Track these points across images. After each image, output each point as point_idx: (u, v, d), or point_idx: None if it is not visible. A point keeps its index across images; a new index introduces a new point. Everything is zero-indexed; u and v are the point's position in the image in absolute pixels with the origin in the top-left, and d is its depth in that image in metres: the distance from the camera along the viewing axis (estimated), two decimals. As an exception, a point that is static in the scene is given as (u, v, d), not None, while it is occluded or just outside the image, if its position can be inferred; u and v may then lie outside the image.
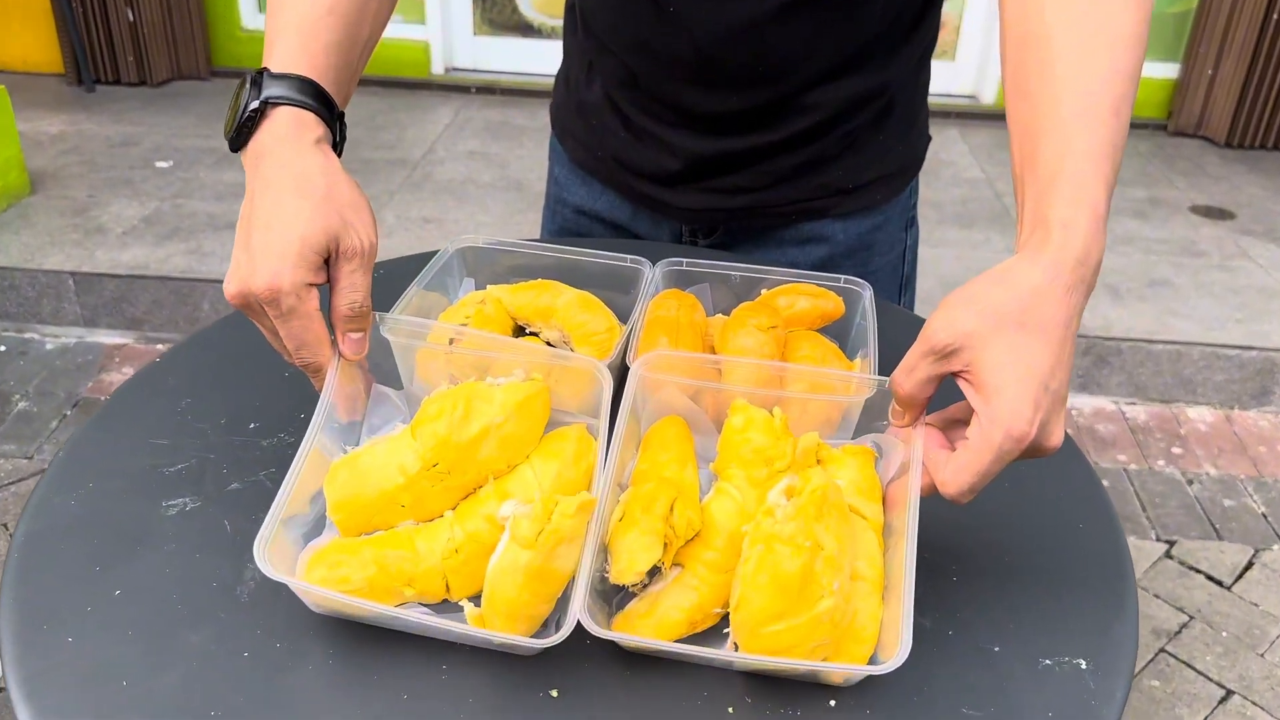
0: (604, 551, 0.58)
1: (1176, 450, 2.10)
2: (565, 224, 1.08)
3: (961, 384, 0.57)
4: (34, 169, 2.75)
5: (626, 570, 0.55)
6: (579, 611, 0.53)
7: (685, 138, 0.93)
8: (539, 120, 3.36)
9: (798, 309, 0.76)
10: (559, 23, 3.49)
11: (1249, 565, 1.81)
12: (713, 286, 0.81)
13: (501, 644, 0.56)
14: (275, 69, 0.67)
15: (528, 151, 3.11)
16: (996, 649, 0.59)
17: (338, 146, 0.70)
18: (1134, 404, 2.23)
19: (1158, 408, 2.22)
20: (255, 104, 0.65)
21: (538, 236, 0.87)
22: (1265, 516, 1.92)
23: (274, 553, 0.56)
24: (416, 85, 3.60)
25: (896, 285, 1.05)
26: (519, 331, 0.81)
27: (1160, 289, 2.38)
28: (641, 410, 0.68)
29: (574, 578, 0.55)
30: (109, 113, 3.28)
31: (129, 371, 2.22)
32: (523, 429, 0.63)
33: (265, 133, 0.65)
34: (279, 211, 0.62)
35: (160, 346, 2.31)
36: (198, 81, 3.61)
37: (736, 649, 0.56)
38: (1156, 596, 1.73)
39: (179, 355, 0.83)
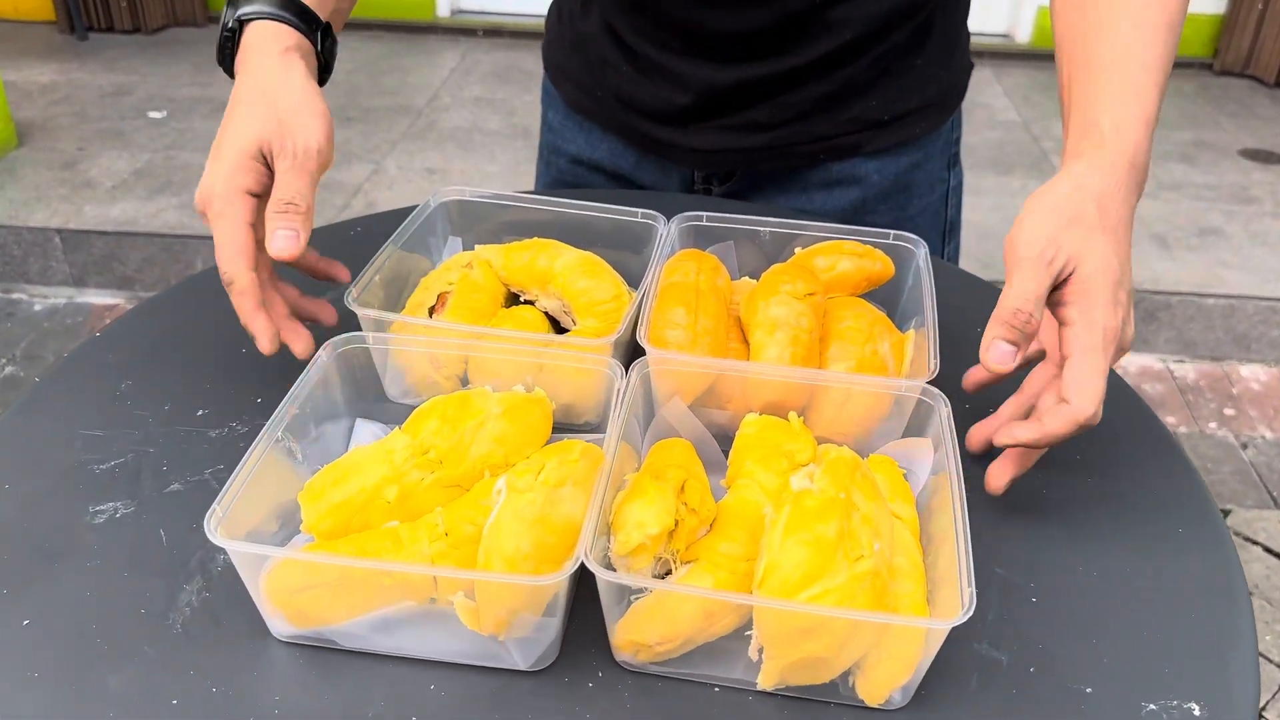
0: (609, 535, 0.48)
1: (1229, 411, 1.98)
2: (561, 175, 0.98)
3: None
4: (21, 120, 2.65)
5: (634, 533, 0.47)
6: (584, 549, 0.45)
7: (697, 66, 0.83)
8: (549, 65, 3.23)
9: (840, 271, 0.65)
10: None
11: (1309, 535, 1.70)
12: (738, 245, 0.70)
13: (505, 637, 0.47)
14: None
15: (536, 97, 2.97)
16: (1089, 690, 0.49)
17: (324, 58, 0.68)
18: (1183, 362, 2.10)
19: (1208, 366, 2.09)
20: (231, 22, 0.65)
21: (475, 192, 0.76)
22: (1325, 482, 1.81)
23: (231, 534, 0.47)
24: (421, 29, 3.46)
25: (939, 232, 0.95)
26: (512, 300, 0.70)
27: (1211, 238, 2.25)
28: (642, 423, 0.57)
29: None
30: (101, 61, 3.17)
31: (120, 333, 2.14)
32: (519, 428, 0.54)
33: (241, 49, 0.65)
34: (229, 122, 0.63)
35: (153, 307, 2.22)
36: (194, 29, 3.49)
37: (760, 655, 0.47)
38: (1210, 570, 1.63)
39: (121, 327, 0.73)
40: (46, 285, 2.24)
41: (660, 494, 0.50)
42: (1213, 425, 1.94)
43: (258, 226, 0.60)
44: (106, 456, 0.61)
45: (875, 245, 0.67)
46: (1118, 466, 0.63)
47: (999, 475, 0.57)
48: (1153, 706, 0.48)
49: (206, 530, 0.46)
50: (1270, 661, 1.49)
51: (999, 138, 2.74)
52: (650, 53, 0.84)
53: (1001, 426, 0.55)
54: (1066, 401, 0.52)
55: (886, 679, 0.48)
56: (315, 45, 0.67)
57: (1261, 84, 3.24)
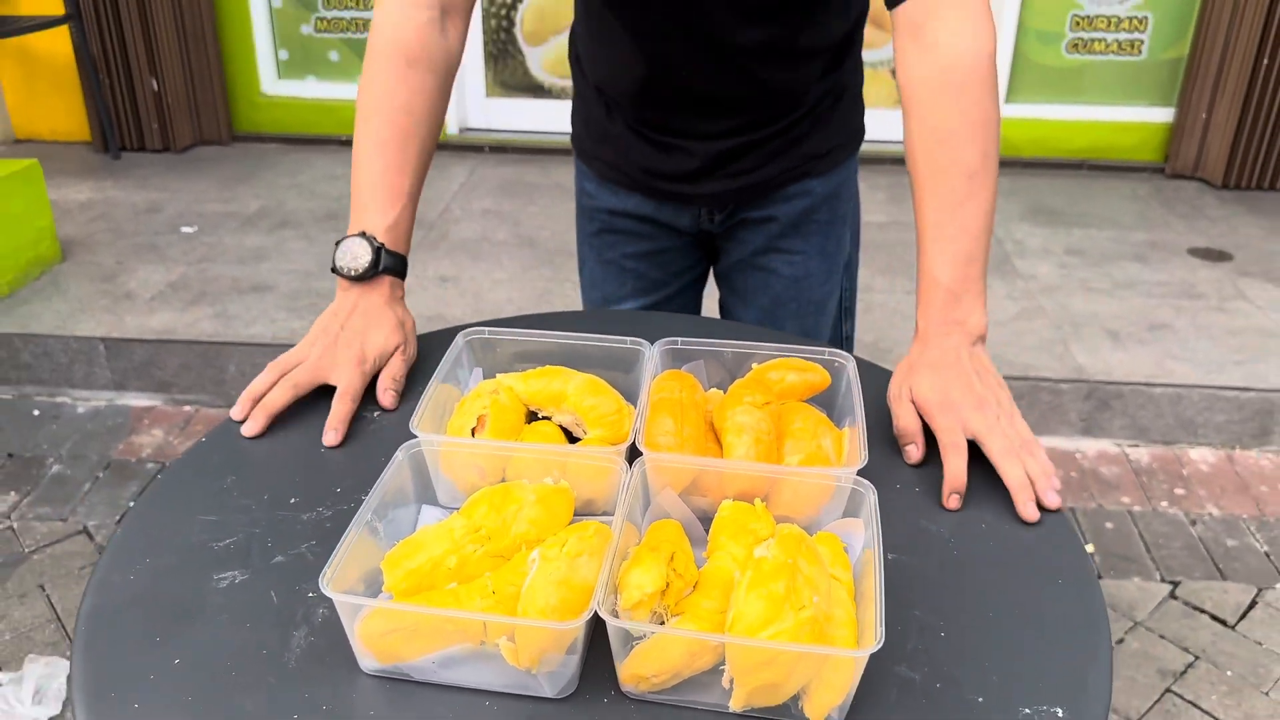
0: (615, 593, 0.64)
1: (1179, 491, 2.14)
2: (601, 226, 1.31)
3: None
4: (64, 236, 2.85)
5: (634, 591, 0.62)
6: (599, 602, 0.61)
7: (702, 143, 1.17)
8: (550, 177, 3.45)
9: (788, 383, 0.82)
10: (568, 83, 3.60)
11: (1253, 604, 1.84)
12: (706, 363, 0.88)
13: (540, 662, 0.63)
14: (374, 232, 0.96)
15: (540, 209, 3.19)
16: (980, 700, 0.64)
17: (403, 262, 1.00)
18: (1137, 446, 2.27)
19: (1160, 449, 2.26)
20: (370, 264, 0.95)
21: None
22: (1268, 555, 1.96)
23: (337, 589, 0.63)
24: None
25: (857, 221, 1.34)
26: (532, 417, 0.87)
27: (1160, 332, 2.44)
28: (641, 507, 0.74)
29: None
30: (134, 179, 3.39)
31: (158, 433, 2.30)
32: (549, 512, 0.70)
33: (368, 289, 0.96)
34: (358, 342, 0.94)
35: (188, 408, 2.39)
36: (219, 146, 3.73)
37: (732, 684, 0.62)
38: (1162, 637, 1.77)
39: (219, 436, 0.90)
40: (89, 389, 2.41)
41: (655, 562, 0.66)
42: (1164, 504, 2.10)
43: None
44: (222, 536, 0.77)
45: (814, 360, 0.85)
46: (1013, 534, 0.79)
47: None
48: (1028, 710, 0.64)
49: (321, 585, 0.62)
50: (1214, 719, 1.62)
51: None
52: (668, 139, 1.17)
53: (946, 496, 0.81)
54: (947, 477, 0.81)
55: (826, 701, 0.63)
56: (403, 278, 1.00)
57: (1210, 186, 3.47)
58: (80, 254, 2.79)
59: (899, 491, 0.81)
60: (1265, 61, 3.26)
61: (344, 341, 0.93)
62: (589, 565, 0.65)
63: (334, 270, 0.96)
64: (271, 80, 3.78)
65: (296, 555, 0.75)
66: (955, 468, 0.80)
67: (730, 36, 1.07)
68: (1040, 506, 0.79)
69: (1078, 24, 3.51)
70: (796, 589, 0.62)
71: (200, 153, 3.67)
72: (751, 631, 0.61)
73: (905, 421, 0.84)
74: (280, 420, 0.91)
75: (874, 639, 0.60)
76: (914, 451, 0.84)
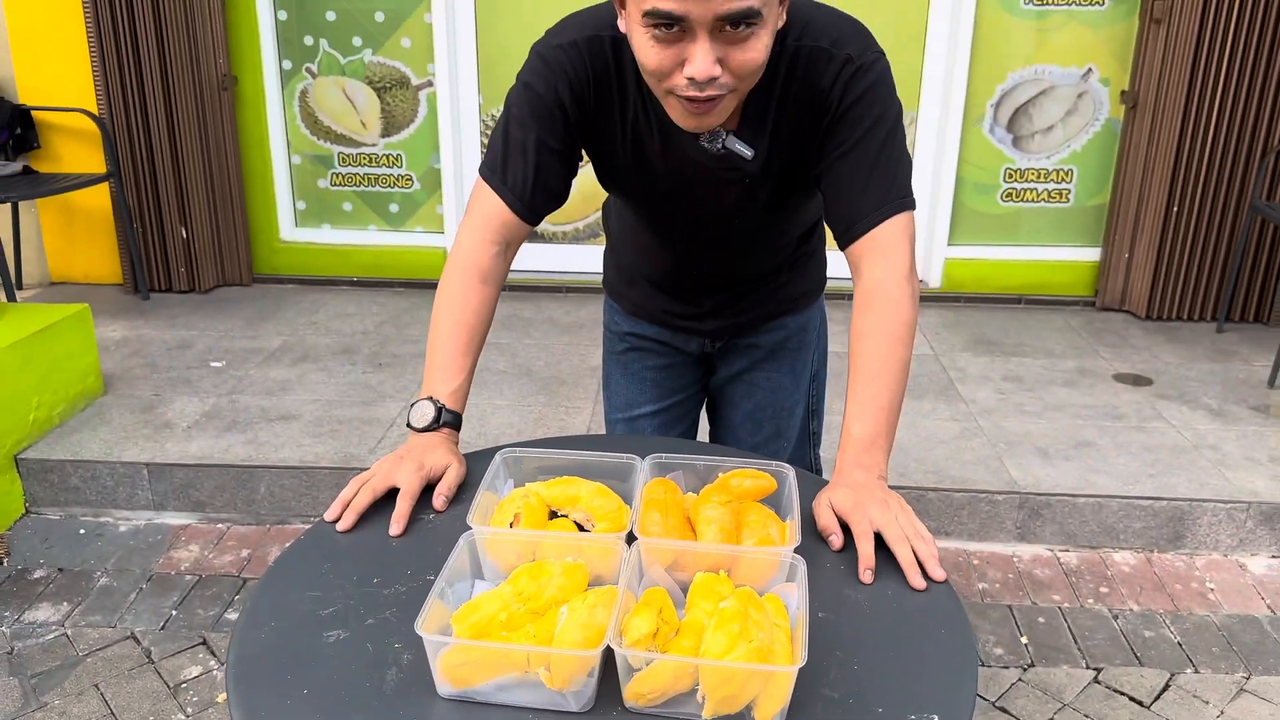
0: (621, 635, 0.90)
1: (1104, 590, 2.39)
2: (628, 346, 1.67)
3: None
4: (105, 371, 3.12)
5: (635, 632, 0.88)
6: (610, 639, 0.86)
7: (708, 298, 1.55)
8: (544, 313, 3.77)
9: (744, 487, 1.09)
10: (559, 229, 3.96)
11: (1166, 687, 2.08)
12: (685, 472, 1.15)
13: (569, 686, 0.88)
14: (439, 398, 1.27)
15: (534, 341, 3.50)
16: (880, 710, 0.90)
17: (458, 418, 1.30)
18: (1066, 550, 2.53)
19: (1087, 553, 2.53)
20: (434, 422, 1.25)
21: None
22: (1180, 645, 2.20)
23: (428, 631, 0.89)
24: (435, 285, 4.02)
25: (824, 343, 1.71)
26: (553, 515, 1.14)
27: (1084, 449, 2.73)
28: (638, 578, 1.01)
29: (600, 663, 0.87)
30: (164, 318, 3.69)
31: (195, 549, 2.53)
32: (572, 581, 0.96)
33: (430, 435, 1.25)
34: (418, 459, 1.21)
35: (220, 525, 2.62)
36: (241, 288, 4.04)
37: (704, 698, 0.88)
38: (1086, 717, 2.00)
39: (314, 534, 1.15)
40: (131, 510, 2.64)
41: (649, 613, 0.92)
42: (1091, 601, 2.35)
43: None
44: (325, 606, 1.02)
45: (764, 470, 1.12)
46: (910, 598, 1.05)
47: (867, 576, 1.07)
48: (914, 716, 0.89)
49: (416, 628, 0.87)
50: (1131, 786, 1.84)
51: (914, 370, 3.26)
52: (680, 293, 1.56)
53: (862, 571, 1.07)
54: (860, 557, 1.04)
55: (770, 709, 0.88)
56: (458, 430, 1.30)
57: (1135, 317, 3.82)
58: (120, 387, 3.06)
59: (826, 568, 1.08)
60: (1175, 209, 3.65)
61: (408, 459, 1.21)
62: (603, 614, 0.90)
63: (408, 424, 1.26)
64: (290, 227, 4.12)
65: (383, 619, 1.01)
66: (866, 551, 1.07)
67: (748, 243, 1.45)
68: (930, 579, 1.06)
69: (1010, 176, 3.92)
70: (748, 628, 0.89)
71: (223, 293, 3.98)
72: (717, 657, 0.87)
73: (826, 520, 1.11)
74: (360, 522, 1.17)
75: (800, 659, 0.86)
76: (835, 540, 1.10)
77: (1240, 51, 3.46)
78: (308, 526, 2.53)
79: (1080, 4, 3.70)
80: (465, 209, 1.35)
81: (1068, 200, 3.93)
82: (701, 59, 1.08)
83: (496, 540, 1.04)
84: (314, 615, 1.01)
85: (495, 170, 1.31)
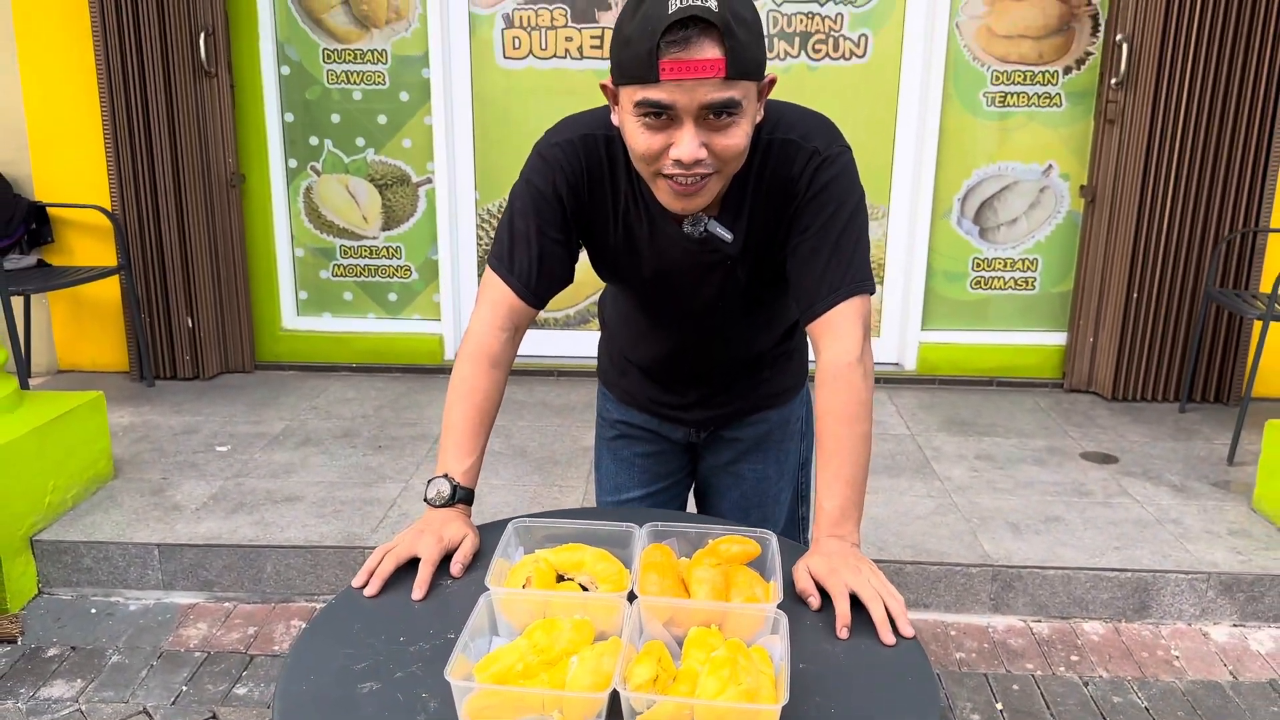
0: (625, 681, 1.01)
1: (1075, 658, 2.50)
2: (619, 433, 1.77)
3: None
4: (115, 456, 3.22)
5: (637, 678, 1.00)
6: (616, 684, 0.98)
7: (694, 389, 1.66)
8: (536, 396, 3.91)
9: (732, 552, 1.22)
10: (551, 315, 4.11)
11: (1134, 750, 2.18)
12: (678, 539, 1.28)
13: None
14: (454, 476, 1.39)
15: (528, 423, 3.63)
16: (852, 747, 1.02)
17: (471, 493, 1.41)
18: (1039, 621, 2.65)
19: (1058, 623, 2.64)
20: (449, 498, 1.38)
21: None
22: (1147, 710, 2.31)
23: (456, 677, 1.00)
24: (432, 370, 4.17)
25: (800, 437, 1.76)
26: (560, 578, 1.26)
27: (1053, 524, 2.86)
28: (639, 633, 1.13)
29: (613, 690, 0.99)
30: (169, 404, 3.80)
31: (203, 627, 2.61)
32: (580, 635, 1.08)
33: (446, 510, 1.38)
34: (437, 532, 1.33)
35: (228, 604, 2.70)
36: (243, 374, 4.16)
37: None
38: (1059, 778, 2.10)
39: (344, 600, 1.27)
40: (141, 589, 2.73)
41: (650, 662, 1.04)
42: (1062, 669, 2.46)
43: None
44: (358, 662, 1.13)
45: (750, 537, 1.25)
46: (880, 652, 1.17)
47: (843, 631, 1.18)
48: (881, 753, 1.01)
49: (446, 675, 0.99)
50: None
51: (891, 448, 3.40)
52: (668, 383, 1.66)
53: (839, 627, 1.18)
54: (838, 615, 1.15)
55: (757, 746, 1.00)
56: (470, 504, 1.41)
57: (1101, 398, 3.98)
58: (130, 471, 3.16)
59: (806, 625, 1.20)
60: (1135, 295, 3.84)
61: (428, 531, 1.33)
62: (609, 663, 1.02)
63: (425, 500, 1.39)
64: (291, 316, 4.26)
65: (410, 672, 1.12)
66: (842, 609, 1.19)
67: (732, 331, 1.58)
68: (900, 635, 1.18)
69: (978, 265, 4.12)
70: (738, 673, 1.01)
71: (226, 380, 4.10)
72: (711, 698, 0.99)
73: (804, 584, 1.23)
74: (385, 588, 1.29)
75: (783, 699, 0.98)
76: (813, 601, 1.22)
77: (1189, 148, 3.68)
78: (313, 605, 2.63)
79: (1039, 105, 3.95)
80: (476, 297, 1.49)
81: (1034, 287, 4.13)
82: (688, 143, 1.23)
83: (511, 600, 1.16)
84: (348, 669, 1.13)
85: (503, 260, 1.44)
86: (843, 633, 1.18)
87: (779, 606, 1.13)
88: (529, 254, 1.43)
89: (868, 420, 1.35)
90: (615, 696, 1.00)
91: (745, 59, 1.20)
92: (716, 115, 1.22)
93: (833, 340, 1.36)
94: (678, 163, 1.24)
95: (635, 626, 1.11)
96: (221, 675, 2.41)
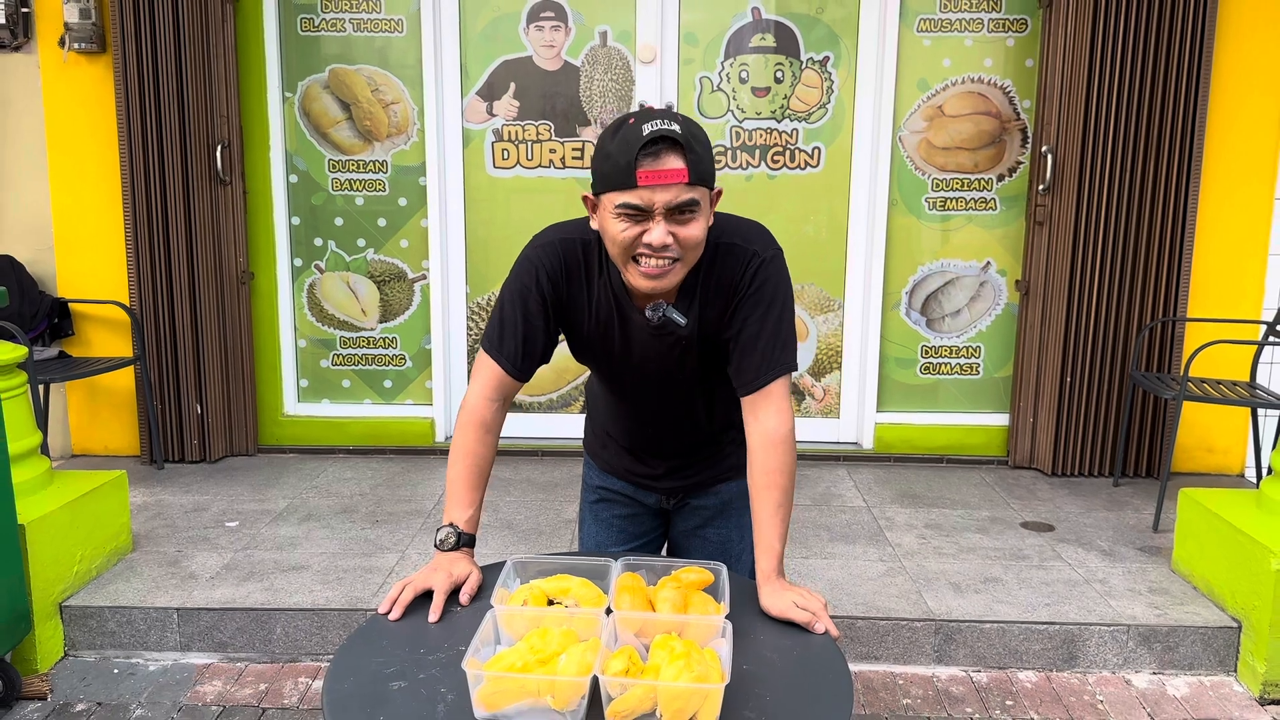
0: (604, 673, 1.28)
1: (1010, 703, 2.75)
2: (599, 497, 2.02)
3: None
4: (133, 531, 3.45)
5: (611, 667, 1.26)
6: (596, 671, 1.24)
7: (663, 462, 1.91)
8: (521, 474, 4.17)
9: (691, 579, 1.50)
10: (535, 399, 4.39)
11: (1059, 780, 2.42)
12: (647, 570, 1.56)
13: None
14: (458, 524, 1.67)
15: (514, 499, 3.88)
16: (782, 723, 1.29)
17: (473, 538, 1.68)
18: (978, 670, 2.90)
19: (995, 673, 2.89)
20: (455, 543, 1.65)
21: (528, 557, 1.68)
22: (1072, 746, 2.55)
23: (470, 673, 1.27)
24: (424, 451, 4.44)
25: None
26: (550, 602, 1.53)
27: (991, 584, 3.13)
28: (614, 640, 1.40)
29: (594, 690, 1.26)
30: (179, 485, 4.04)
31: (218, 684, 2.82)
32: (567, 639, 1.35)
33: (453, 553, 1.65)
34: (447, 569, 1.60)
35: (240, 664, 2.92)
36: (246, 457, 4.41)
37: (661, 716, 1.26)
38: (991, 805, 2.33)
39: (373, 624, 1.54)
40: (160, 651, 2.94)
41: (623, 658, 1.30)
42: (999, 713, 2.70)
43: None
44: (388, 667, 1.40)
45: (705, 568, 1.53)
46: (806, 655, 1.45)
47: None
48: (804, 727, 1.28)
49: (464, 666, 1.26)
50: None
51: (848, 519, 3.68)
52: (642, 457, 1.92)
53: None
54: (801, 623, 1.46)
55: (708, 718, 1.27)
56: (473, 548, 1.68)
57: (1042, 474, 4.28)
58: (146, 545, 3.39)
59: (750, 637, 1.47)
60: (1068, 379, 4.18)
61: (439, 569, 1.60)
62: (591, 657, 1.29)
63: (435, 545, 1.66)
64: (293, 403, 4.53)
65: (432, 674, 1.38)
66: (803, 619, 1.51)
67: (688, 414, 1.86)
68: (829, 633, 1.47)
69: (926, 352, 4.46)
70: (692, 663, 1.28)
71: (230, 463, 4.35)
72: (674, 679, 1.26)
73: (802, 618, 1.53)
74: (404, 614, 1.55)
75: (726, 678, 1.25)
76: (819, 627, 1.51)
77: (1111, 245, 4.06)
78: (320, 664, 2.85)
79: (976, 209, 4.34)
80: (470, 375, 1.79)
81: (978, 372, 4.47)
82: (658, 232, 1.54)
83: (511, 616, 1.44)
84: (380, 673, 1.39)
85: (493, 342, 1.74)
86: (817, 627, 1.51)
87: (728, 617, 1.41)
88: (516, 338, 1.72)
89: (793, 477, 1.67)
90: (596, 685, 1.27)
91: (701, 170, 1.55)
92: (680, 213, 1.55)
93: (775, 412, 1.67)
94: (649, 246, 1.56)
95: (611, 634, 1.38)
96: (237, 726, 2.62)
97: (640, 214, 1.53)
